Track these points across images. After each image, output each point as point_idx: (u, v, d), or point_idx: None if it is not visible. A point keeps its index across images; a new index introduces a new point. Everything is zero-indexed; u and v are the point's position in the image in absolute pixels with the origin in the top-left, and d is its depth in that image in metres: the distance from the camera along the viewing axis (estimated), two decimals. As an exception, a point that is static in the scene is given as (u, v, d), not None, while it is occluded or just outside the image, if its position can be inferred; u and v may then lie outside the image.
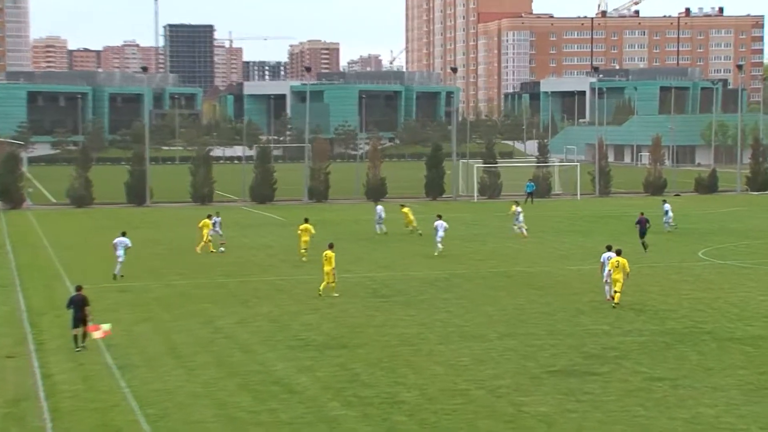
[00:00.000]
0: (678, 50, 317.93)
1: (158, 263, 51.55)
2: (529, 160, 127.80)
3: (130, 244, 47.16)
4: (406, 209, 64.72)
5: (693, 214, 78.40)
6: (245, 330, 34.53)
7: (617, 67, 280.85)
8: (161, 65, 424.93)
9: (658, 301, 39.19)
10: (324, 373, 28.39)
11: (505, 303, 39.09)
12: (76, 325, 31.58)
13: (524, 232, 61.73)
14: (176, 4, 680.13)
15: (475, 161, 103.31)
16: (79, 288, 32.77)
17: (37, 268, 51.39)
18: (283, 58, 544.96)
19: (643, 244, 54.25)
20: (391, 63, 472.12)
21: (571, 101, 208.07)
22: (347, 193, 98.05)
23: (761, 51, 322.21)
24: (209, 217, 57.56)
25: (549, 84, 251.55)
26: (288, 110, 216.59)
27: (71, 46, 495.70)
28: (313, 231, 53.02)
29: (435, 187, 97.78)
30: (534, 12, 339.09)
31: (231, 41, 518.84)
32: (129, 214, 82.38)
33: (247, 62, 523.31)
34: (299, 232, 52.93)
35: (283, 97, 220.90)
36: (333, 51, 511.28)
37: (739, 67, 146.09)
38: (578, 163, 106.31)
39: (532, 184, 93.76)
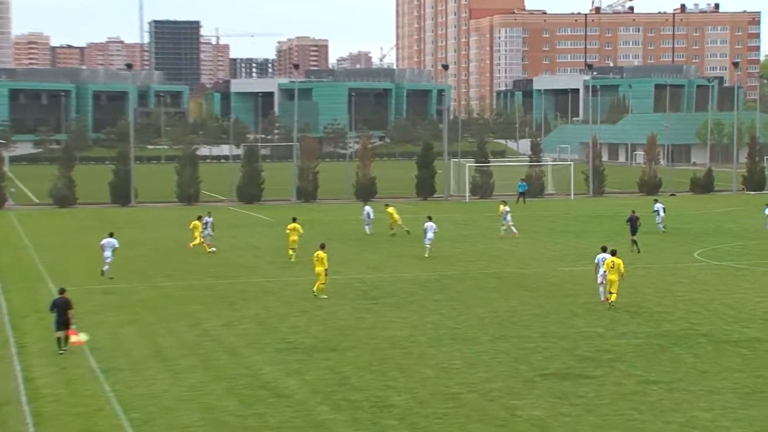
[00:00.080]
0: (673, 47, 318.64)
1: (144, 264, 51.49)
2: (521, 159, 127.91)
3: (117, 245, 47.22)
4: (390, 209, 64.73)
5: (688, 214, 78.56)
6: (232, 333, 34.50)
7: (611, 65, 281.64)
8: (146, 62, 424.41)
9: (653, 302, 39.25)
10: (312, 376, 28.38)
11: (496, 305, 39.12)
12: (59, 328, 31.55)
13: (514, 230, 61.80)
14: (161, 0, 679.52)
15: (467, 160, 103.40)
16: (62, 291, 32.73)
17: (19, 269, 51.28)
18: (271, 55, 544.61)
19: (634, 242, 54.52)
20: (381, 60, 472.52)
21: (564, 99, 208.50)
22: (336, 193, 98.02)
23: (758, 48, 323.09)
24: (199, 218, 57.55)
25: (542, 82, 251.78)
26: (276, 108, 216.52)
27: (54, 43, 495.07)
28: (301, 230, 53.19)
29: (426, 187, 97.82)
30: (527, 8, 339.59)
31: (218, 38, 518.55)
32: (113, 215, 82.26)
33: (234, 59, 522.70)
34: (287, 231, 53.10)
35: (270, 94, 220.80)
36: (322, 48, 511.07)
37: (735, 64, 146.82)
38: (572, 163, 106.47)
39: (524, 183, 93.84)
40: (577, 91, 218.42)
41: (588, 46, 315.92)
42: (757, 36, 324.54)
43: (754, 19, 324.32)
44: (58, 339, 31.50)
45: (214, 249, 56.06)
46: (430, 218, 55.37)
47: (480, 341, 32.68)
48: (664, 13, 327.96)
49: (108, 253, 46.66)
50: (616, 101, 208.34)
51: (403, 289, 43.18)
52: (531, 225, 69.64)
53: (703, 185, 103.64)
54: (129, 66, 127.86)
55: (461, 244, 59.47)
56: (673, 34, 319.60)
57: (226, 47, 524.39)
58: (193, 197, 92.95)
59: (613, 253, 38.75)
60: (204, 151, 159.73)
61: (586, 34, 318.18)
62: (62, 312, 31.58)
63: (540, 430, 23.49)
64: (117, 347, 32.32)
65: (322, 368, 29.23)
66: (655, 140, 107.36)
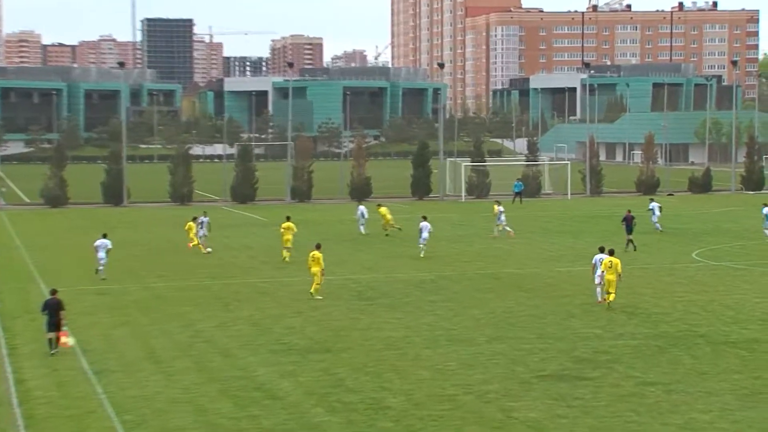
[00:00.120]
0: (671, 45, 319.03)
1: (136, 265, 51.45)
2: (518, 158, 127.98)
3: (110, 246, 47.18)
4: (383, 209, 64.79)
5: (686, 214, 78.62)
6: (226, 334, 34.49)
7: (609, 63, 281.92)
8: (139, 60, 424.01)
9: (651, 303, 39.27)
10: (307, 378, 28.38)
11: (493, 306, 39.13)
12: (50, 330, 31.52)
13: (508, 230, 61.87)
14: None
15: (463, 160, 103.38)
16: (54, 292, 32.69)
17: (10, 269, 51.23)
18: (265, 53, 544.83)
19: (631, 242, 54.64)
20: (376, 58, 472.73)
21: (561, 98, 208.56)
22: (331, 193, 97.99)
23: (756, 46, 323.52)
24: (194, 219, 57.54)
25: (539, 80, 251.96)
26: (270, 107, 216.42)
27: (45, 41, 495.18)
28: (295, 229, 53.34)
29: (421, 187, 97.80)
30: (523, 6, 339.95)
31: (211, 36, 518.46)
32: (105, 215, 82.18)
33: (228, 57, 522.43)
34: (282, 230, 53.20)
35: (264, 93, 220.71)
36: (316, 46, 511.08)
37: (734, 62, 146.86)
38: (569, 162, 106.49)
39: (520, 183, 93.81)
40: (574, 89, 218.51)
41: (585, 45, 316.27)
42: (756, 34, 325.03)
43: (753, 17, 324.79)
44: (50, 340, 31.47)
45: (210, 249, 56.04)
46: (425, 218, 55.34)
47: (476, 342, 32.69)
48: (662, 11, 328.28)
49: (102, 254, 46.70)
50: (613, 100, 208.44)
51: (399, 289, 43.18)
52: (528, 225, 69.66)
53: (702, 185, 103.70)
54: (121, 64, 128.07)
55: (457, 244, 59.48)
56: (671, 33, 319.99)
57: (220, 45, 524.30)
58: (186, 197, 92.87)
59: (611, 253, 38.84)
60: (197, 150, 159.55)
61: (583, 33, 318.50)
62: (54, 313, 31.55)
63: (537, 432, 23.53)
64: (110, 348, 32.30)
65: (316, 370, 29.23)
66: (653, 139, 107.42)
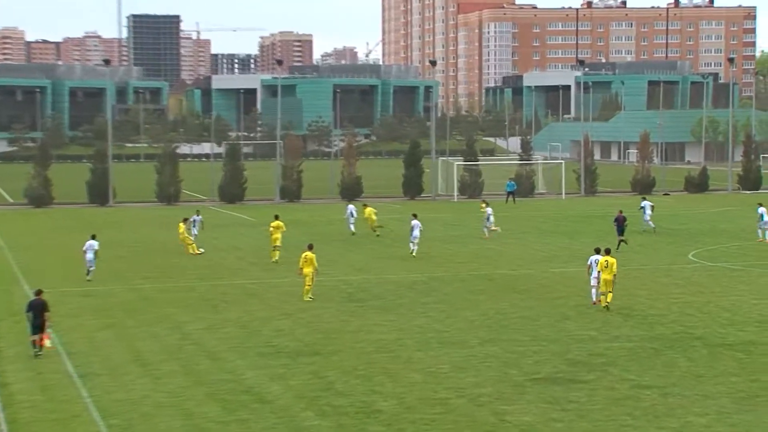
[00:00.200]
0: (667, 43, 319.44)
1: (122, 266, 51.39)
2: (511, 157, 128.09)
3: (97, 247, 47.09)
4: (369, 209, 65.05)
5: (683, 214, 78.77)
6: (214, 336, 34.47)
7: (603, 61, 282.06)
8: (124, 58, 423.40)
9: (647, 305, 39.34)
10: (297, 381, 28.38)
11: (486, 307, 39.16)
12: (34, 332, 31.45)
13: (493, 228, 62.21)
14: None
15: (455, 159, 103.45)
16: (38, 292, 32.64)
17: (-6, 271, 51.11)
18: (254, 50, 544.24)
19: (622, 242, 54.86)
20: (366, 56, 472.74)
21: (555, 96, 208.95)
22: (321, 193, 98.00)
23: (753, 44, 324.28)
24: (185, 220, 57.59)
25: (532, 78, 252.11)
26: (258, 105, 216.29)
27: (29, 38, 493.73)
28: (284, 228, 53.55)
29: (413, 186, 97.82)
30: (516, 2, 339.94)
31: (198, 32, 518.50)
32: (91, 215, 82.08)
33: (216, 55, 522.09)
34: (270, 230, 53.28)
35: (253, 91, 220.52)
36: (306, 43, 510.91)
37: (731, 60, 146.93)
38: (563, 161, 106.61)
39: (513, 183, 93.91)
40: (568, 87, 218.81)
41: (579, 42, 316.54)
42: (753, 31, 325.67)
43: (750, 14, 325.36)
44: (34, 342, 31.42)
45: (202, 250, 56.25)
46: (415, 216, 55.46)
47: (469, 345, 32.71)
48: (658, 7, 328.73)
49: (90, 256, 46.63)
50: (608, 98, 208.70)
51: (390, 291, 43.20)
52: (521, 225, 69.75)
53: (698, 184, 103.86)
54: (107, 62, 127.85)
55: (450, 244, 59.52)
56: (667, 30, 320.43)
57: (207, 42, 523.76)
58: (173, 197, 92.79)
59: (607, 252, 38.97)
60: (184, 149, 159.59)
61: (577, 29, 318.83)
62: (38, 314, 31.47)
63: (531, 436, 23.55)
64: (95, 351, 32.26)
65: (306, 373, 29.23)
66: (649, 138, 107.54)
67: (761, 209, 60.64)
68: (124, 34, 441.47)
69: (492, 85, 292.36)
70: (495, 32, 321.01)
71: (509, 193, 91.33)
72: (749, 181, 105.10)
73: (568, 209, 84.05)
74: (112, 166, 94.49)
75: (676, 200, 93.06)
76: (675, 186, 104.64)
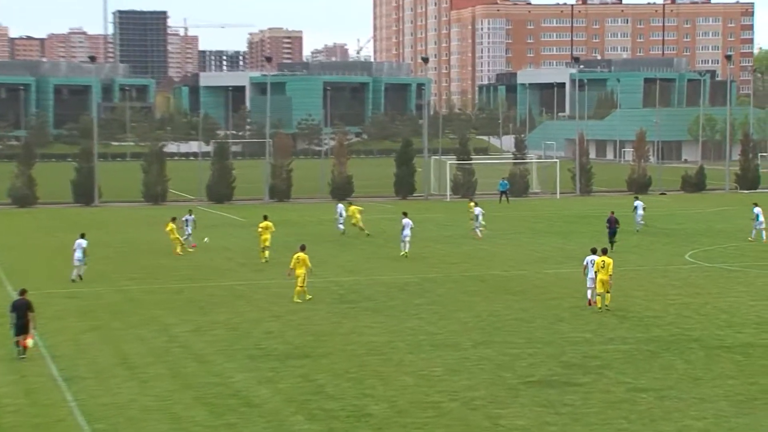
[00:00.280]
0: (663, 39, 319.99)
1: (108, 267, 51.31)
2: (505, 156, 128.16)
3: (84, 245, 46.99)
4: (353, 207, 65.31)
5: (679, 213, 78.89)
6: (201, 339, 34.43)
7: (599, 58, 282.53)
8: (110, 54, 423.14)
9: (643, 306, 39.38)
10: (286, 384, 28.35)
11: (479, 309, 39.16)
12: (18, 333, 31.36)
13: (478, 231, 62.11)
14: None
15: (448, 158, 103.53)
16: (22, 292, 32.57)
17: (-23, 272, 51.00)
18: (242, 47, 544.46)
19: (612, 243, 55.01)
20: (357, 53, 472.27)
21: (549, 94, 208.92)
22: (311, 192, 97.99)
23: (751, 40, 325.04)
24: (173, 220, 57.61)
25: (526, 75, 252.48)
26: (247, 103, 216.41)
27: (13, 34, 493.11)
28: (273, 228, 53.64)
29: (405, 186, 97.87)
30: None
31: (186, 29, 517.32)
32: (76, 215, 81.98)
33: (204, 51, 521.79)
34: (259, 230, 53.29)
35: (242, 89, 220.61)
36: (295, 40, 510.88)
37: (728, 57, 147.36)
38: (557, 160, 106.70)
39: (506, 182, 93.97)
40: (563, 85, 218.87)
41: (574, 38, 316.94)
42: (750, 28, 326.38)
43: (747, 10, 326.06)
44: (17, 344, 31.33)
45: (195, 245, 56.91)
46: (405, 214, 55.51)
47: (462, 347, 32.71)
48: (654, 3, 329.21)
49: (79, 254, 46.56)
50: (603, 96, 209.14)
51: (382, 292, 43.18)
52: (515, 225, 69.79)
53: (695, 183, 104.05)
54: (92, 58, 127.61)
55: (442, 245, 59.53)
56: (663, 26, 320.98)
57: (195, 39, 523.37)
58: (160, 196, 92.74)
59: (604, 252, 39.05)
60: (172, 147, 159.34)
61: (572, 26, 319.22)
62: (22, 315, 31.36)
63: (525, 440, 23.56)
64: (80, 354, 32.20)
65: (296, 376, 29.20)
66: (645, 137, 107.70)
67: (757, 209, 60.91)
68: (110, 30, 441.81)
69: (485, 82, 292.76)
70: (488, 29, 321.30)
71: (502, 192, 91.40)
72: (747, 180, 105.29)
73: (563, 209, 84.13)
74: (97, 165, 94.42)
75: (673, 200, 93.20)
76: (671, 185, 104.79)
